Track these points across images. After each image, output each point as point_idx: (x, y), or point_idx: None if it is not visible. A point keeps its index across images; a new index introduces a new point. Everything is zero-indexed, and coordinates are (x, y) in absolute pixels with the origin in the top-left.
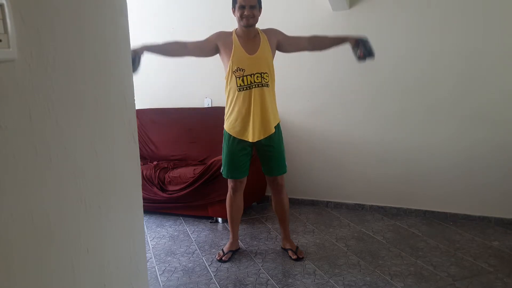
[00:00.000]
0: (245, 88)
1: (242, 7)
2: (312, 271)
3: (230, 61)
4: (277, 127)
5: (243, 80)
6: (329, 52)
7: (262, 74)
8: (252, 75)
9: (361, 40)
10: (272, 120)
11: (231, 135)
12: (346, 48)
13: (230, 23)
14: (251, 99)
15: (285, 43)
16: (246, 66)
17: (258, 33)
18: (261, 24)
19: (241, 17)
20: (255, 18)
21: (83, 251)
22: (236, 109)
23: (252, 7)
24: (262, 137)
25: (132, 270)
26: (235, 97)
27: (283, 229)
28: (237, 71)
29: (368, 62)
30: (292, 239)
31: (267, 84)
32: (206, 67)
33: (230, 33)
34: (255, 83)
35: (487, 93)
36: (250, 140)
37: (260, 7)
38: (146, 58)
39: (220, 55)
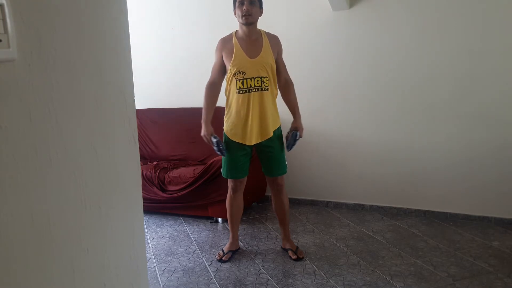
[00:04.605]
0: (244, 91)
1: (241, 3)
2: (312, 271)
3: (231, 65)
4: (278, 129)
5: (242, 83)
6: (329, 52)
7: (262, 78)
8: (252, 79)
9: (296, 132)
10: (271, 125)
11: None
12: (346, 48)
13: (230, 23)
14: (250, 102)
15: (276, 62)
16: (247, 70)
17: (261, 36)
18: (261, 23)
19: (241, 15)
20: (253, 16)
21: (83, 251)
22: (234, 111)
23: (251, 3)
24: (260, 141)
25: (132, 270)
26: (234, 99)
27: (283, 229)
28: (237, 74)
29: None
30: (292, 239)
31: (266, 88)
32: (206, 67)
33: (230, 37)
34: (255, 87)
35: (487, 93)
36: (247, 144)
37: (261, 7)
38: (146, 58)
39: (224, 59)
